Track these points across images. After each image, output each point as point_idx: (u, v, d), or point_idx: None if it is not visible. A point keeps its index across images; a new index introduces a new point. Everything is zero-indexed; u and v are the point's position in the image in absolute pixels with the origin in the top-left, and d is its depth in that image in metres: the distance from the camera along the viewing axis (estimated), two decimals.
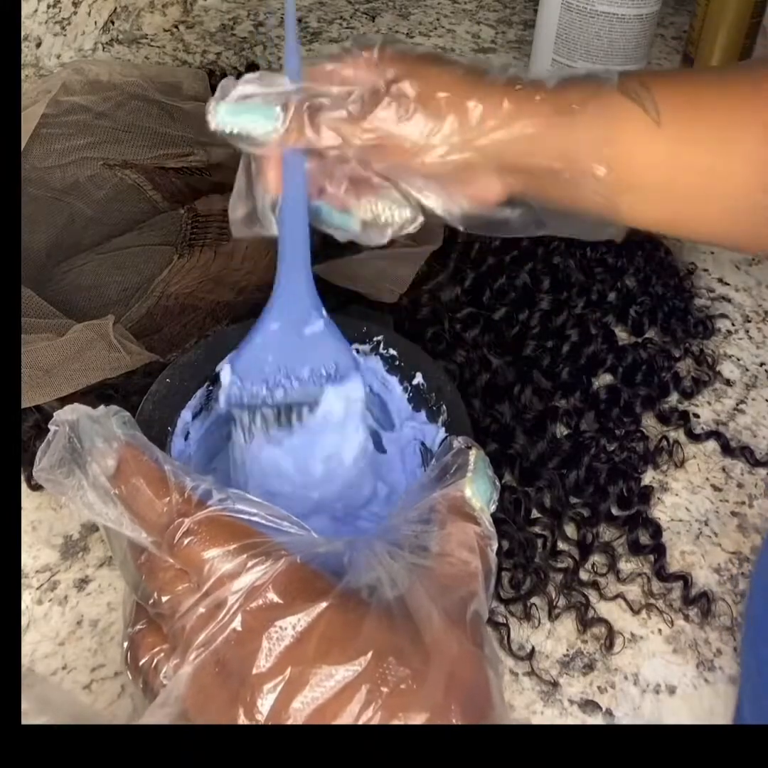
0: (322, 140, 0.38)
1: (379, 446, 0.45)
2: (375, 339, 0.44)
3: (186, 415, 0.42)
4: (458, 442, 0.36)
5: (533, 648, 0.41)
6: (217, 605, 0.29)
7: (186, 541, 0.29)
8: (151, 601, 0.30)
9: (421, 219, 0.40)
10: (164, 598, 0.30)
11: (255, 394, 0.40)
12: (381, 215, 0.40)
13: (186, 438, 0.42)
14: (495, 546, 0.33)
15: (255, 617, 0.28)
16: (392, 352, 0.44)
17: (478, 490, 0.34)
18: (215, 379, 0.43)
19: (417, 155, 0.38)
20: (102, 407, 0.33)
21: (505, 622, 0.42)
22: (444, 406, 0.43)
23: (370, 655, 0.27)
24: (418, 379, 0.44)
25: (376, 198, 0.40)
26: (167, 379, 0.42)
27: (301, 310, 0.41)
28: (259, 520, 0.31)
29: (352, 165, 0.39)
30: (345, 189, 0.40)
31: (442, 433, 0.42)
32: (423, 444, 0.44)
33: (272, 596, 0.28)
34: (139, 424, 0.39)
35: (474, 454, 0.35)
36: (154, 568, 0.30)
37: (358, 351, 0.44)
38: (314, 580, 0.30)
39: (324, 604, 0.28)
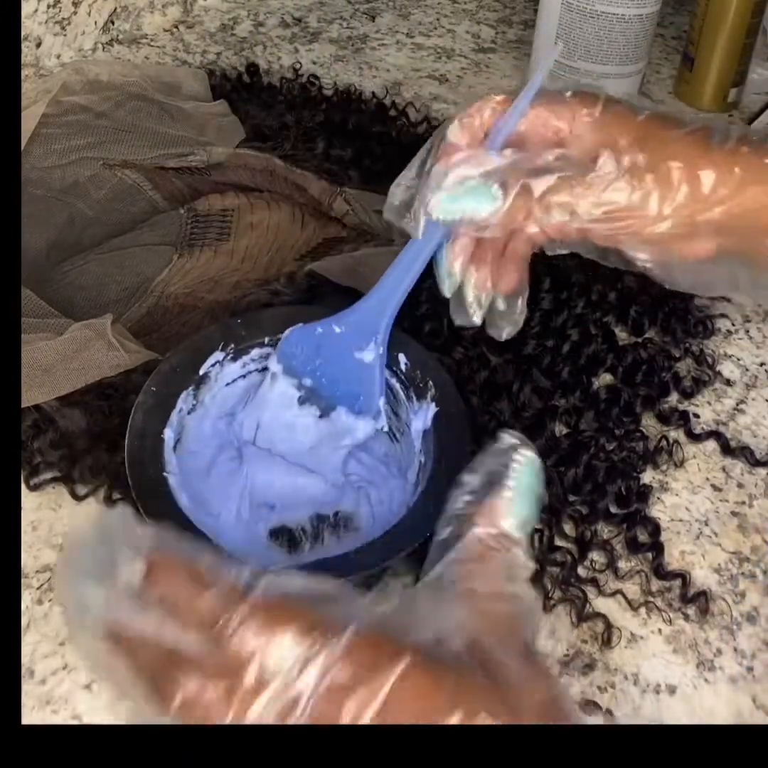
0: (552, 218, 0.37)
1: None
2: None
3: (176, 418, 0.43)
4: (508, 438, 0.33)
5: None
6: (293, 701, 0.26)
7: (240, 634, 0.26)
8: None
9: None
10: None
11: (293, 365, 0.44)
12: (469, 296, 0.41)
13: (179, 438, 0.43)
14: (531, 572, 0.32)
15: (331, 702, 0.26)
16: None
17: (518, 514, 0.32)
18: (199, 383, 0.44)
19: (645, 225, 0.38)
20: (109, 512, 0.31)
21: None
22: (431, 382, 0.43)
23: (458, 713, 0.26)
24: (403, 359, 0.45)
25: (482, 274, 0.40)
26: (152, 388, 0.42)
27: (367, 334, 0.43)
28: (305, 592, 0.28)
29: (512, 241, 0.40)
30: (464, 248, 0.40)
31: (433, 408, 0.43)
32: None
33: (345, 674, 0.26)
34: (132, 436, 0.40)
35: (521, 463, 0.32)
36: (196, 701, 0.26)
37: None
38: (382, 644, 0.27)
39: (400, 668, 0.26)
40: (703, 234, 0.39)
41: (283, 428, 0.44)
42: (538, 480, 0.33)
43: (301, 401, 0.44)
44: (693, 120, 0.39)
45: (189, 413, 0.44)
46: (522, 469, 0.32)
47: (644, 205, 0.38)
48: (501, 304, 0.41)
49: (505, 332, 0.42)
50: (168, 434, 0.42)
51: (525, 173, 0.37)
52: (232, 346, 0.45)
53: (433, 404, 0.43)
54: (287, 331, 0.44)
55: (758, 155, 0.38)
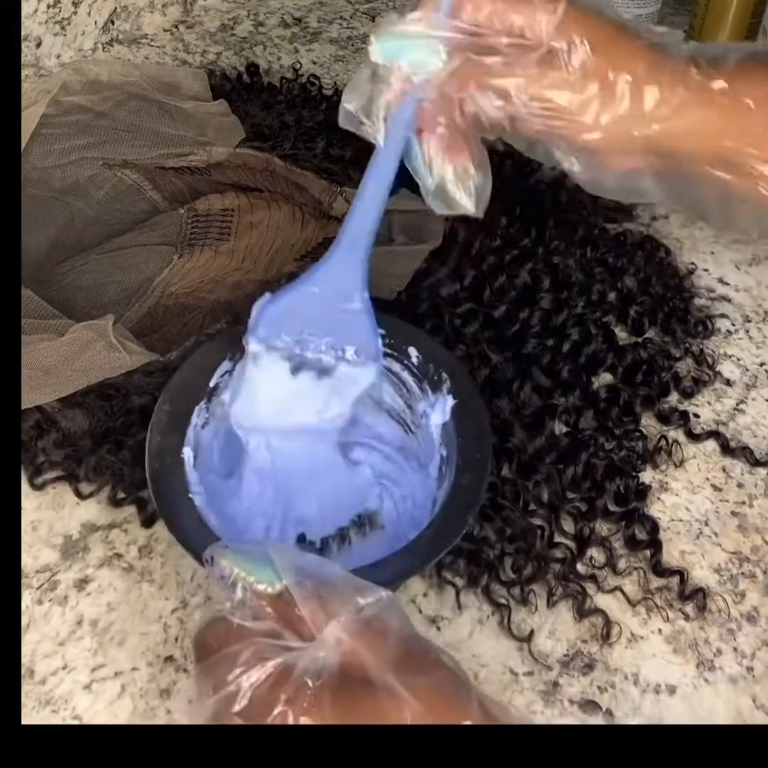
0: (484, 101, 0.37)
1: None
2: None
3: (192, 434, 0.43)
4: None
5: (532, 631, 0.42)
6: None
7: None
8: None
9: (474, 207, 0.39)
10: None
11: (275, 340, 0.42)
12: (449, 182, 0.39)
13: (197, 452, 0.43)
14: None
15: None
16: (380, 330, 0.44)
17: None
18: (211, 395, 0.44)
19: (579, 131, 0.38)
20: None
21: (506, 603, 0.42)
22: (444, 374, 0.43)
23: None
24: (414, 352, 0.45)
25: (460, 163, 0.39)
26: (165, 407, 0.42)
27: (347, 284, 0.41)
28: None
29: (460, 116, 0.38)
30: (441, 141, 0.38)
31: (450, 400, 0.43)
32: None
33: None
34: (151, 457, 0.40)
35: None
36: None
37: None
38: None
39: None
40: (635, 149, 0.39)
41: (282, 402, 0.43)
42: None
43: (294, 371, 0.43)
44: (650, 33, 0.39)
45: (203, 427, 0.44)
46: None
47: (582, 111, 0.37)
48: (479, 179, 0.40)
49: (482, 205, 0.40)
50: (187, 453, 0.41)
51: (474, 48, 0.36)
52: (239, 354, 0.45)
53: (450, 396, 0.43)
54: (256, 309, 0.42)
55: (707, 77, 0.38)
